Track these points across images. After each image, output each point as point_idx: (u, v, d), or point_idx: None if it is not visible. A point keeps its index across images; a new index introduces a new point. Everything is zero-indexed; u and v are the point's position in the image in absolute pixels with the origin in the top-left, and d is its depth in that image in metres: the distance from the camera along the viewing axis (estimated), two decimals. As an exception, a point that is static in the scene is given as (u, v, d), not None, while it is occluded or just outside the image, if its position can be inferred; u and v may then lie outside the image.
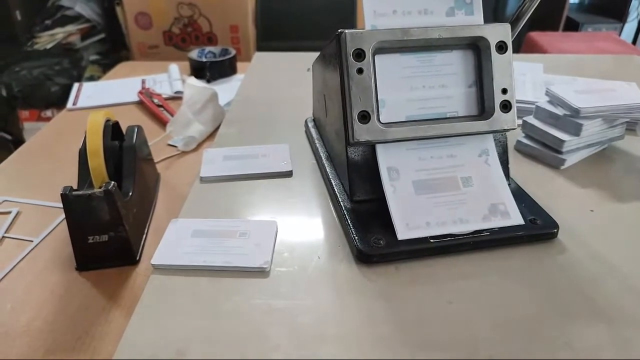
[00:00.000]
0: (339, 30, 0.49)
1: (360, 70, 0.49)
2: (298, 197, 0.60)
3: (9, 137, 1.93)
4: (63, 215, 0.61)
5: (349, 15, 1.88)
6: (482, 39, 0.51)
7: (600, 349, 0.40)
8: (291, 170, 0.64)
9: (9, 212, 0.76)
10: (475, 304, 0.44)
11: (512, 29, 0.53)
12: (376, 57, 0.50)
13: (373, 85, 0.49)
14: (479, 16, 0.52)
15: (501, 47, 0.51)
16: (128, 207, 0.64)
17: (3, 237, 0.71)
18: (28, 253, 0.68)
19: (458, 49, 0.52)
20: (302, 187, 0.62)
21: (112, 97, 1.19)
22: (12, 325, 0.57)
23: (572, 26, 2.47)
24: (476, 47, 0.52)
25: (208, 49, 1.35)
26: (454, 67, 0.52)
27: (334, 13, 1.92)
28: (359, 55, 0.49)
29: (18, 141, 1.81)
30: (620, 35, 2.45)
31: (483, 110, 0.53)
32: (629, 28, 2.56)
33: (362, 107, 0.49)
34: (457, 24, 0.52)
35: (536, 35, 2.11)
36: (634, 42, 2.55)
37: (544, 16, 2.41)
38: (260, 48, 1.89)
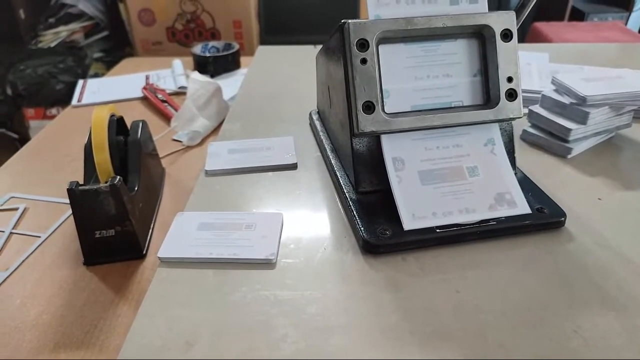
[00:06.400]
0: (342, 21, 0.49)
1: (364, 61, 0.49)
2: (303, 189, 0.60)
3: (15, 135, 1.94)
4: (70, 211, 0.61)
5: (353, 8, 1.88)
6: (486, 27, 0.51)
7: (610, 337, 0.39)
8: (296, 163, 0.64)
9: (17, 209, 0.76)
10: (483, 293, 0.44)
11: (517, 17, 0.52)
12: (380, 47, 0.50)
13: (377, 75, 0.49)
14: (483, 4, 0.52)
15: (506, 35, 0.51)
16: (134, 201, 0.64)
17: (11, 233, 0.71)
18: (36, 249, 0.68)
19: (462, 37, 0.52)
20: (307, 179, 0.62)
21: (117, 93, 1.19)
22: (22, 319, 0.57)
23: (578, 16, 2.44)
24: (481, 36, 0.52)
25: (211, 43, 1.34)
26: (458, 56, 0.52)
27: (338, 6, 1.91)
28: (363, 45, 0.49)
29: (24, 140, 1.82)
30: (626, 24, 2.42)
31: (488, 99, 0.52)
32: (636, 17, 2.53)
33: (367, 97, 0.49)
34: (461, 12, 0.51)
35: (541, 26, 2.09)
36: (641, 31, 2.52)
37: (549, 6, 2.39)
38: (264, 42, 1.89)
